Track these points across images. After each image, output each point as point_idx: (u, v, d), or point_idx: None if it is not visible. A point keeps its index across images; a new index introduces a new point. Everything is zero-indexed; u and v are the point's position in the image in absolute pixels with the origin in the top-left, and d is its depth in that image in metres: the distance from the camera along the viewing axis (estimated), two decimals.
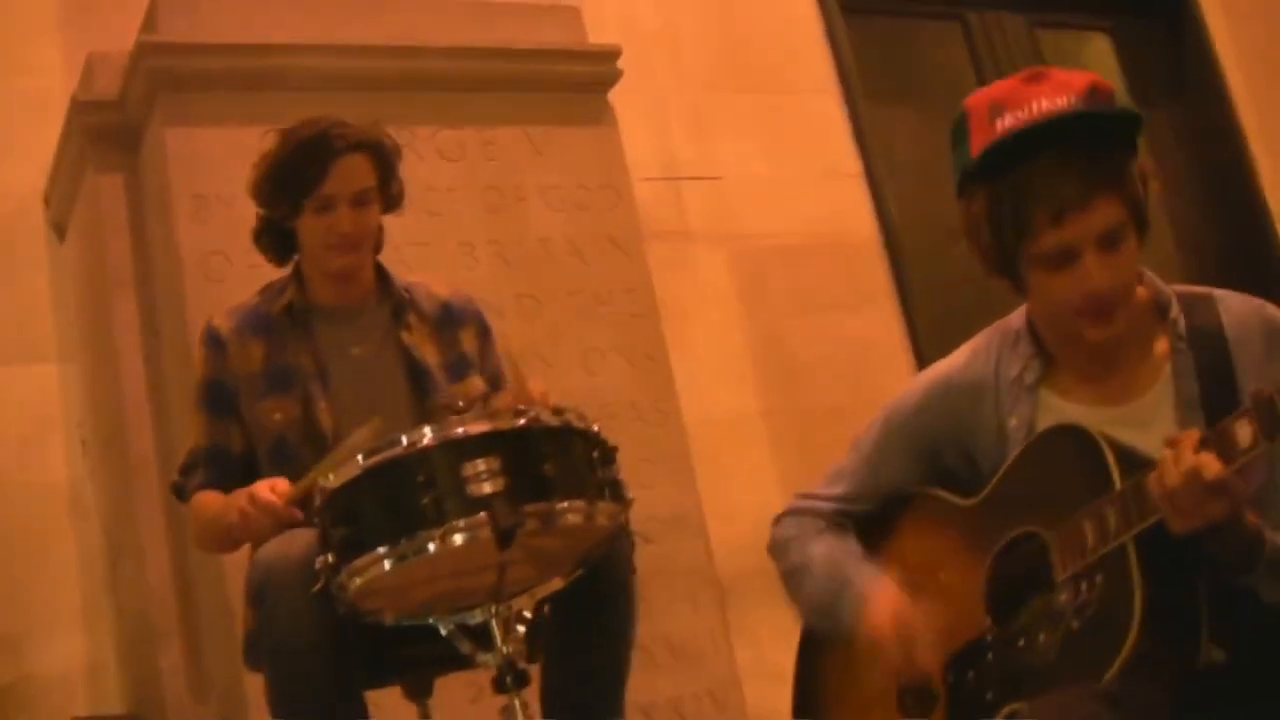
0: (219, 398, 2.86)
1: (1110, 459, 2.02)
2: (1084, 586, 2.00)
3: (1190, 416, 2.08)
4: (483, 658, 2.33)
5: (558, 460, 2.24)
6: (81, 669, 4.10)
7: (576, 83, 4.55)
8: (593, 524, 2.28)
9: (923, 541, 2.32)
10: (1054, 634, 2.02)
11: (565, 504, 2.22)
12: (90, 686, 4.09)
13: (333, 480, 2.26)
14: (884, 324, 5.36)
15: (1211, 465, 1.87)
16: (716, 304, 5.11)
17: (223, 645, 3.55)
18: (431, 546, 2.15)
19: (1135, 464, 2.00)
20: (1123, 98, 6.08)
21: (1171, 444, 1.92)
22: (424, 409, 2.83)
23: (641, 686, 3.08)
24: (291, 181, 2.83)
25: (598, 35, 4.65)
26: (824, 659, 2.42)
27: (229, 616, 3.40)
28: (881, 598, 2.26)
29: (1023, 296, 2.22)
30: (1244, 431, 1.86)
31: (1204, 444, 1.89)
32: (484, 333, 3.01)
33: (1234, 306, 2.15)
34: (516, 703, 2.28)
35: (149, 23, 4.07)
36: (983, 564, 2.17)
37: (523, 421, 2.24)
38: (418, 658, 2.68)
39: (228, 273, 3.76)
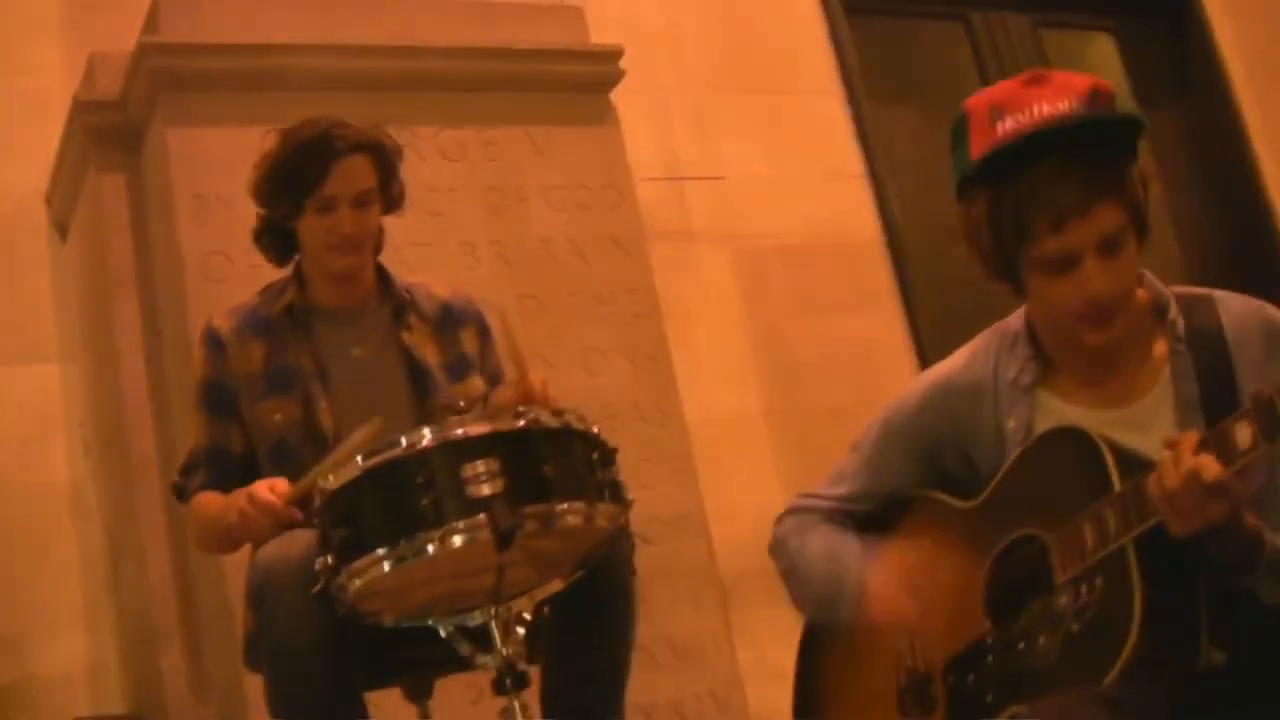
0: (219, 398, 2.85)
1: (1110, 461, 2.02)
2: (1084, 589, 1.99)
3: (1190, 418, 2.08)
4: (482, 659, 2.33)
5: (557, 462, 2.23)
6: (83, 669, 4.11)
7: (579, 83, 4.55)
8: (592, 526, 2.28)
9: (922, 544, 2.32)
10: (1054, 636, 2.02)
11: (565, 506, 2.21)
12: (91, 687, 4.09)
13: (332, 481, 2.26)
14: (886, 324, 5.36)
15: (1211, 467, 1.86)
16: (719, 304, 5.11)
17: (223, 646, 3.55)
18: (431, 548, 2.15)
19: (1135, 466, 2.00)
20: (1125, 98, 6.09)
21: (1171, 446, 1.92)
22: (425, 409, 2.83)
23: (643, 687, 3.08)
24: (292, 182, 2.83)
25: (600, 35, 4.65)
26: (824, 659, 2.42)
27: (229, 617, 3.39)
28: (882, 583, 2.25)
29: (1022, 300, 2.22)
30: (1243, 433, 1.86)
31: (1203, 445, 1.89)
32: (484, 333, 3.01)
33: (1234, 307, 2.15)
34: (516, 704, 2.27)
35: (150, 23, 4.08)
36: (982, 567, 2.17)
37: (522, 423, 2.23)
38: (418, 659, 2.68)
39: (229, 273, 3.76)
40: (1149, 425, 2.10)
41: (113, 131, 4.15)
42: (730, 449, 4.79)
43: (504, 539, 2.14)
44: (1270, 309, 2.15)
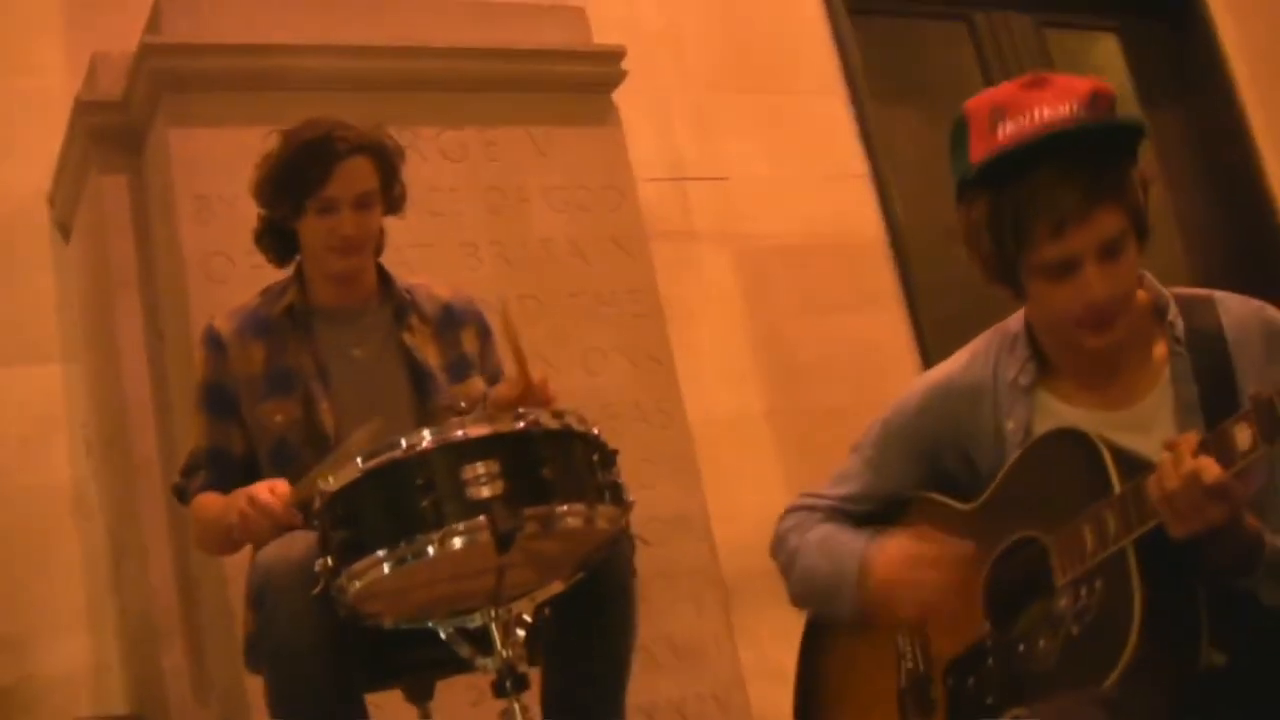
0: (219, 399, 2.85)
1: (1109, 462, 2.02)
2: (1084, 591, 1.99)
3: (1189, 420, 2.07)
4: (482, 661, 2.33)
5: (557, 463, 2.22)
6: (85, 669, 4.11)
7: (580, 83, 4.55)
8: (593, 527, 2.27)
9: (924, 536, 2.31)
10: (1054, 639, 2.01)
11: (565, 507, 2.21)
12: (93, 687, 4.10)
13: (332, 483, 2.25)
14: (888, 325, 5.36)
15: (1210, 469, 1.86)
16: (720, 304, 5.11)
17: (225, 647, 3.55)
18: (430, 550, 2.14)
19: (1134, 468, 2.00)
20: (1128, 99, 6.10)
21: (1170, 447, 1.92)
22: (425, 410, 2.83)
23: (644, 687, 3.08)
24: (294, 183, 2.83)
25: (602, 35, 4.64)
26: (825, 660, 2.42)
27: (231, 618, 3.40)
28: (885, 564, 2.24)
29: (1023, 304, 2.22)
30: (1243, 434, 1.86)
31: (1203, 447, 1.89)
32: (485, 333, 3.00)
33: (1234, 308, 2.14)
34: (516, 706, 2.27)
35: (152, 23, 4.08)
36: (982, 568, 2.16)
37: (522, 424, 2.22)
38: (418, 661, 2.68)
39: (230, 273, 3.76)
40: (1149, 427, 2.10)
41: (114, 132, 4.16)
42: (732, 449, 4.79)
43: (504, 541, 2.13)
44: (1270, 310, 2.15)
